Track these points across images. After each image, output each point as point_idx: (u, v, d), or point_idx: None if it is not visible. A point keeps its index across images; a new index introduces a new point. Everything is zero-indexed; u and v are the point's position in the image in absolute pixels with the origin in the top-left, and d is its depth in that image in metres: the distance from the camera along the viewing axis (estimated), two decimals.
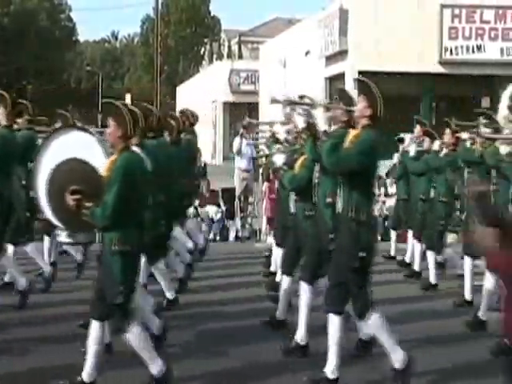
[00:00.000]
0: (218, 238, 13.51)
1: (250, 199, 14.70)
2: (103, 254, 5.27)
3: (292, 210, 6.99)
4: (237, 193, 14.40)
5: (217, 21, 64.09)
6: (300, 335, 6.28)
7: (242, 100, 36.13)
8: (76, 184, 5.13)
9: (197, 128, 10.87)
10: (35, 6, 58.47)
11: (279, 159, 7.68)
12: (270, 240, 13.82)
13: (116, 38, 79.01)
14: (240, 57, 46.39)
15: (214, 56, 52.67)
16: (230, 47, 51.81)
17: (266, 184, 14.30)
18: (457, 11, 19.11)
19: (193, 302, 8.12)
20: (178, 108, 48.51)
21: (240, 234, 14.00)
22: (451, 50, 19.09)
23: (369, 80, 5.66)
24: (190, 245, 9.77)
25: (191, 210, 11.42)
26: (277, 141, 8.56)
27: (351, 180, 5.50)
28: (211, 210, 13.93)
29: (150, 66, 48.20)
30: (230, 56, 48.35)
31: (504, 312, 2.64)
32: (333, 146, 5.47)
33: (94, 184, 5.16)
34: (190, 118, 10.34)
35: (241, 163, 14.56)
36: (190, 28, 61.63)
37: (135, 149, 5.99)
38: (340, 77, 20.12)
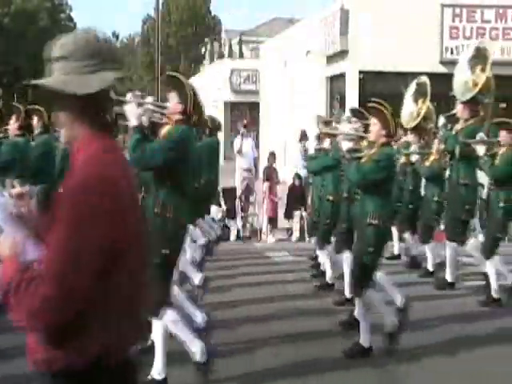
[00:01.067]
0: None
1: (251, 199, 14.70)
2: None
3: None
4: (238, 192, 14.41)
5: (217, 21, 64.14)
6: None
7: (242, 99, 36.13)
8: None
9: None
10: (36, 6, 58.48)
11: None
12: (271, 239, 13.87)
13: (117, 38, 79.02)
14: (241, 56, 46.38)
15: (215, 55, 52.67)
16: (230, 47, 51.81)
17: (266, 183, 14.32)
18: (457, 11, 19.11)
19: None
20: None
21: (241, 234, 14.01)
22: (452, 50, 19.08)
23: (180, 76, 5.53)
24: None
25: None
26: None
27: (158, 175, 5.32)
28: (212, 210, 13.92)
29: (151, 66, 48.24)
30: (230, 55, 48.35)
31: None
32: (136, 142, 5.16)
33: None
34: None
35: (242, 162, 14.58)
36: (190, 28, 61.64)
37: None
38: (341, 76, 20.14)
